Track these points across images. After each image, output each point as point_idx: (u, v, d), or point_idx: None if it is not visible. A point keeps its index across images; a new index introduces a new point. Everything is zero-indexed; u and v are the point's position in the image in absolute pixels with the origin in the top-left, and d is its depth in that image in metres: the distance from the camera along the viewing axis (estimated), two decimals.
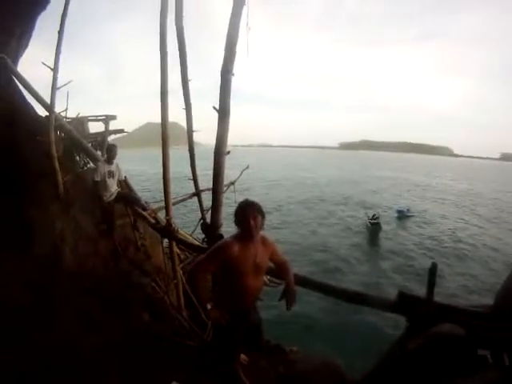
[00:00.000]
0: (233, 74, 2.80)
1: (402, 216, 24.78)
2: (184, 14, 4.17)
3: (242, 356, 3.28)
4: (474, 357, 2.18)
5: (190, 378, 3.23)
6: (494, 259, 15.86)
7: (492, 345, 2.22)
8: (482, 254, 16.67)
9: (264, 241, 2.55)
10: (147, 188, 26.09)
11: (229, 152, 2.95)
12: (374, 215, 22.29)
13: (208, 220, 3.41)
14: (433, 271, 2.40)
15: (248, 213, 2.37)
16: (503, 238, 20.24)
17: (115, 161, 5.74)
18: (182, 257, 6.08)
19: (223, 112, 2.85)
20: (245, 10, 2.65)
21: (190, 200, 5.88)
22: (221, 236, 3.13)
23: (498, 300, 2.17)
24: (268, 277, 3.90)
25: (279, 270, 2.76)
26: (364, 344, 6.95)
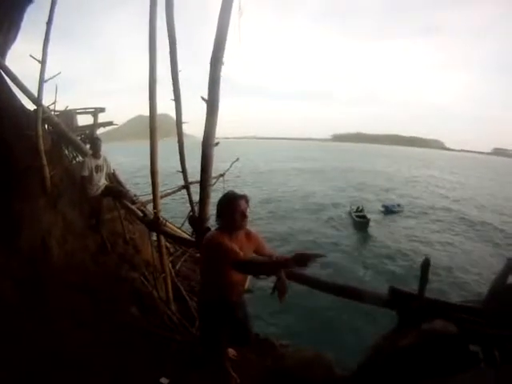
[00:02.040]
0: (223, 63, 2.71)
1: (389, 211, 24.06)
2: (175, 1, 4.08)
3: (231, 351, 3.25)
4: (465, 353, 2.17)
5: (179, 372, 3.23)
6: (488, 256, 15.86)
7: (483, 341, 2.22)
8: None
9: (247, 234, 2.52)
10: (136, 180, 25.72)
11: (217, 143, 2.88)
12: (358, 208, 22.03)
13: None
14: (425, 266, 2.37)
15: (241, 206, 2.34)
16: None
17: (103, 154, 5.66)
18: (171, 250, 6.04)
19: (212, 102, 2.76)
20: None
21: (180, 193, 5.80)
22: (208, 229, 3.08)
23: (489, 295, 2.15)
24: None
25: None
26: (355, 338, 6.98)
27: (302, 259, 1.96)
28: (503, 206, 29.17)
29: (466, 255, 15.69)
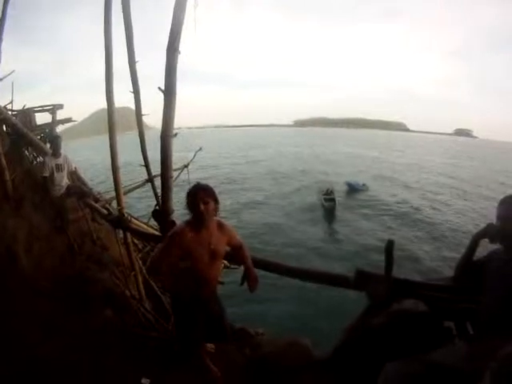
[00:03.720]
0: (179, 52, 2.67)
1: (354, 190, 24.24)
2: None
3: (208, 344, 3.22)
4: (438, 330, 2.22)
5: (160, 371, 3.17)
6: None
7: (455, 316, 2.28)
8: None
9: (220, 226, 2.49)
10: (98, 177, 24.75)
11: (176, 134, 2.83)
12: (327, 190, 21.94)
13: None
14: (389, 247, 2.42)
15: (198, 198, 2.29)
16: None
17: (63, 152, 5.47)
18: (140, 246, 5.92)
19: (169, 92, 2.71)
20: None
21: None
22: (173, 222, 3.04)
23: (457, 271, 2.19)
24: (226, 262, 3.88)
25: (236, 254, 2.71)
26: (330, 320, 7.04)
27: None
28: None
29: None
